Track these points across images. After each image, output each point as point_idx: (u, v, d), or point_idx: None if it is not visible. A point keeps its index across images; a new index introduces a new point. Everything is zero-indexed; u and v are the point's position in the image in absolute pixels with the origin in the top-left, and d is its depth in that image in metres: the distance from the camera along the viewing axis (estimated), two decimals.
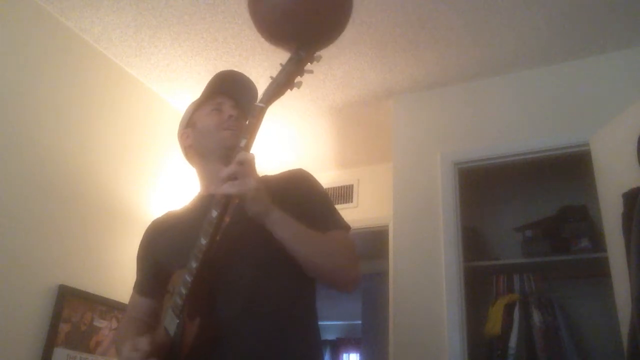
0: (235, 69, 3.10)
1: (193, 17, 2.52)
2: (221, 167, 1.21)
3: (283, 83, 1.13)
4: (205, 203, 1.26)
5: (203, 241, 1.09)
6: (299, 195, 1.22)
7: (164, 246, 1.30)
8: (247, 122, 1.15)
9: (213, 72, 3.06)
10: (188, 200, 1.40)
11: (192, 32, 2.62)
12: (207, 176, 1.35)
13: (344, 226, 1.28)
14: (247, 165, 1.09)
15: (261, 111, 1.13)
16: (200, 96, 1.38)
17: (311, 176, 1.34)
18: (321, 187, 1.34)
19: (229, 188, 1.07)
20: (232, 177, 1.08)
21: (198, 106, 1.38)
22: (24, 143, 2.33)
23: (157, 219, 1.41)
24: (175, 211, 1.40)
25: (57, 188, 2.44)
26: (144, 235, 1.39)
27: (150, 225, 1.40)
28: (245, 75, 1.42)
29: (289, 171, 1.34)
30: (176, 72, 2.94)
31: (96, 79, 2.74)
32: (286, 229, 1.12)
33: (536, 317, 2.61)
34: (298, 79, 1.14)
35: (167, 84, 3.04)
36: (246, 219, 1.18)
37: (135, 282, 1.38)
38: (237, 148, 1.12)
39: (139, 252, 1.38)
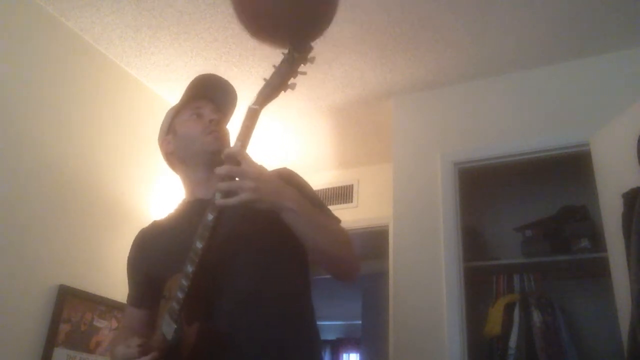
0: (235, 69, 3.12)
1: (193, 17, 2.52)
2: (205, 172, 1.23)
3: (277, 85, 1.11)
4: (193, 208, 1.25)
5: (199, 245, 1.08)
6: None
7: (154, 255, 1.29)
8: (240, 125, 1.14)
9: (213, 72, 3.05)
10: (173, 208, 1.38)
11: (192, 32, 2.62)
12: (192, 182, 1.34)
13: (338, 219, 1.28)
14: (243, 163, 1.06)
15: (255, 113, 1.10)
16: (179, 101, 1.36)
17: (297, 174, 1.34)
18: (309, 184, 1.34)
19: (226, 201, 1.05)
20: (227, 179, 1.05)
21: (177, 112, 1.36)
22: (24, 143, 2.33)
23: (144, 229, 1.39)
24: (162, 220, 1.39)
25: (57, 188, 2.44)
26: (132, 247, 1.36)
27: (137, 237, 1.38)
28: (222, 78, 1.40)
29: (276, 170, 1.33)
30: (176, 72, 2.94)
31: (96, 79, 2.74)
32: (299, 218, 1.10)
33: (536, 317, 2.61)
34: (292, 80, 1.12)
35: (167, 84, 3.04)
36: (239, 218, 1.17)
37: (128, 296, 1.36)
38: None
39: (128, 265, 1.36)
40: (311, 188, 1.33)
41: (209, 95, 1.37)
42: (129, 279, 1.36)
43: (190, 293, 1.10)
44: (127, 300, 1.36)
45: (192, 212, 1.23)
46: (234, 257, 1.18)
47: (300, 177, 1.33)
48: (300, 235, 1.12)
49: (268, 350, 1.12)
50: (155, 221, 1.41)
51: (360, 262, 1.25)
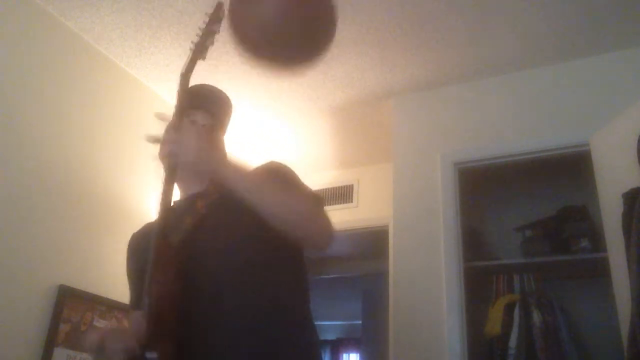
0: (236, 70, 3.11)
1: (193, 17, 2.52)
2: (196, 173, 1.29)
3: (199, 49, 1.31)
4: (183, 204, 1.29)
5: (154, 242, 1.11)
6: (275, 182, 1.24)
7: (147, 256, 1.30)
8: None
9: (213, 72, 3.05)
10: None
11: (192, 32, 2.61)
12: (184, 182, 1.37)
13: (315, 197, 1.27)
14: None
15: (184, 79, 1.33)
16: (173, 113, 1.39)
17: (286, 165, 1.33)
18: (296, 174, 1.33)
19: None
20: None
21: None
22: (24, 143, 2.33)
23: (136, 233, 1.41)
24: (154, 221, 1.40)
25: (57, 188, 2.44)
26: (127, 252, 1.39)
27: (130, 239, 1.40)
28: (213, 87, 1.45)
29: (263, 164, 1.33)
30: (176, 72, 2.91)
31: (96, 79, 2.74)
32: (239, 182, 1.14)
33: (536, 317, 2.61)
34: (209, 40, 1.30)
35: (167, 84, 3.04)
36: (224, 220, 1.19)
37: (130, 300, 1.36)
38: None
39: (126, 268, 1.38)
40: (297, 178, 1.32)
41: (202, 105, 1.41)
42: (128, 283, 1.37)
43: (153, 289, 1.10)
44: (130, 305, 1.36)
45: (178, 208, 1.26)
46: (221, 256, 1.18)
47: (288, 168, 1.33)
48: (244, 198, 1.13)
49: (262, 346, 1.11)
50: (147, 223, 1.43)
51: (332, 228, 1.20)
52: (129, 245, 1.40)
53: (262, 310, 1.14)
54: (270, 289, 1.18)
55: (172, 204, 1.20)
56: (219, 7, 1.30)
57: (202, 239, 1.17)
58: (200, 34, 1.27)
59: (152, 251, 1.11)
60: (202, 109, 1.41)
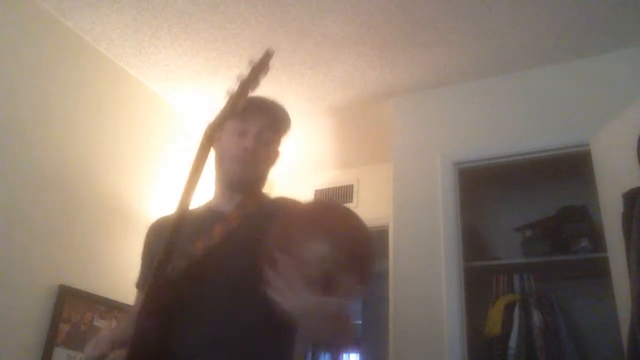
0: (235, 69, 3.09)
1: (193, 17, 2.52)
2: (223, 189, 1.29)
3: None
4: (204, 215, 1.28)
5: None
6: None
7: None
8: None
9: (213, 72, 3.04)
10: (200, 205, 1.37)
11: (192, 32, 2.62)
12: (216, 190, 1.35)
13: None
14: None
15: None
16: (239, 108, 1.27)
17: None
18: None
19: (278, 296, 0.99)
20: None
21: (231, 114, 1.25)
22: (23, 143, 2.33)
23: (161, 218, 1.39)
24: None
25: (57, 188, 2.44)
26: (146, 236, 1.38)
27: (151, 226, 1.39)
28: (280, 106, 1.37)
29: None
30: (176, 72, 2.94)
31: (96, 79, 2.74)
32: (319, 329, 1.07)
33: (536, 317, 2.61)
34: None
35: (167, 84, 3.04)
36: (236, 253, 1.18)
37: (139, 280, 1.35)
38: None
39: (143, 248, 1.37)
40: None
41: (259, 119, 1.32)
42: (142, 262, 1.36)
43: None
44: (137, 286, 1.35)
45: (202, 218, 1.27)
46: (227, 291, 1.17)
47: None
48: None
49: None
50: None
51: (352, 332, 1.23)
52: (149, 231, 1.38)
53: (258, 344, 1.15)
54: (269, 327, 1.16)
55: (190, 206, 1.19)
56: (267, 55, 1.20)
57: (210, 268, 1.16)
58: (240, 82, 1.17)
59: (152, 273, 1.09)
60: (260, 118, 1.33)
